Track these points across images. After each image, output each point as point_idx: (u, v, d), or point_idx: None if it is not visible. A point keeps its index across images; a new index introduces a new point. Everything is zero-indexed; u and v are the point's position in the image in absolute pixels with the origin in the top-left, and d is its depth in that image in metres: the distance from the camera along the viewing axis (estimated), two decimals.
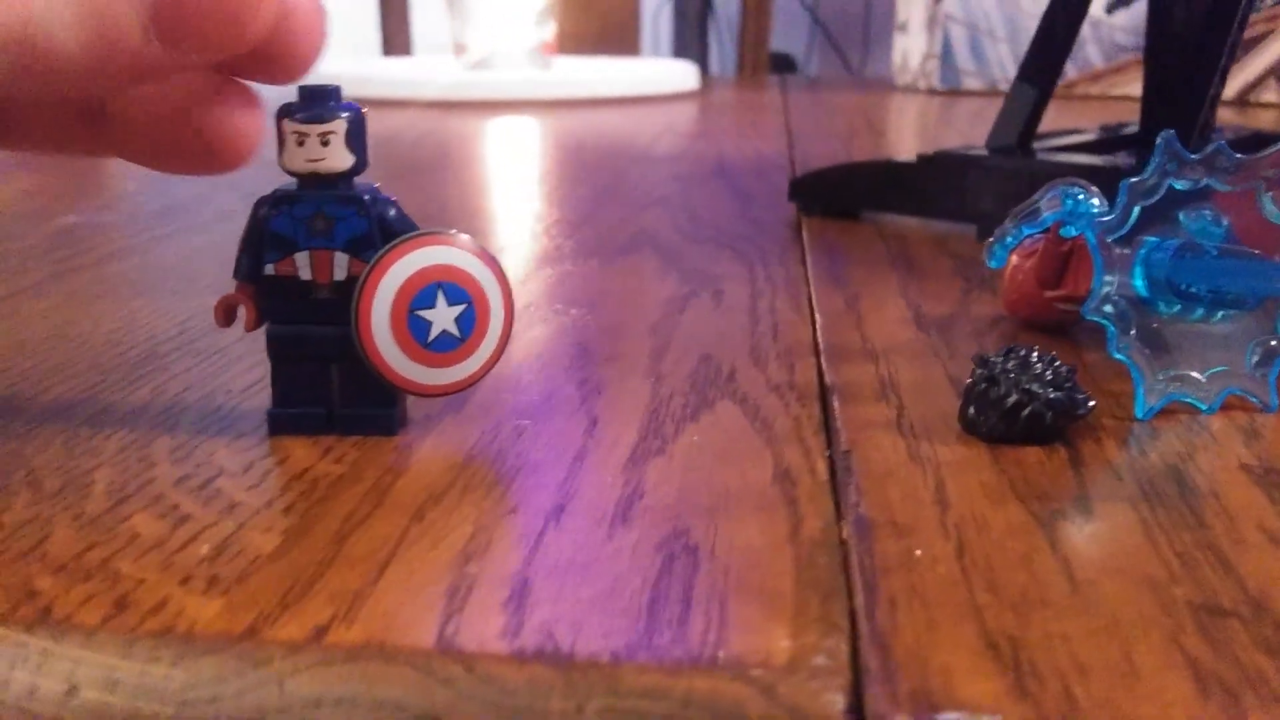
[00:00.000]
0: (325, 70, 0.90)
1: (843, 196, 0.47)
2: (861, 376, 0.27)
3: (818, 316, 0.33)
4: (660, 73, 1.05)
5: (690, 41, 1.83)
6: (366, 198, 0.23)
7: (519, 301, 0.35)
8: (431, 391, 0.24)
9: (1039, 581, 0.18)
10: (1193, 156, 0.25)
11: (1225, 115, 0.91)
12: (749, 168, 0.62)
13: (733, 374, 0.28)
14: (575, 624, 0.17)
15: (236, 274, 0.24)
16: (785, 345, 0.30)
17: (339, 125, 0.23)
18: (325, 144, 0.23)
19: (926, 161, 0.45)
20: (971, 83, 1.05)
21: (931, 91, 1.06)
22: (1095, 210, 0.26)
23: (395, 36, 1.39)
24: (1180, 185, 0.25)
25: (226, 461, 0.23)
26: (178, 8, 0.19)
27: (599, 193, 0.55)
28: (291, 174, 0.23)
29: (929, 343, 0.30)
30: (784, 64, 1.87)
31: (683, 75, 1.05)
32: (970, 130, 0.80)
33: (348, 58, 1.16)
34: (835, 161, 0.50)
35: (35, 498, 0.21)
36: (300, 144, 0.23)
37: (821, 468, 0.22)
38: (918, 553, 0.19)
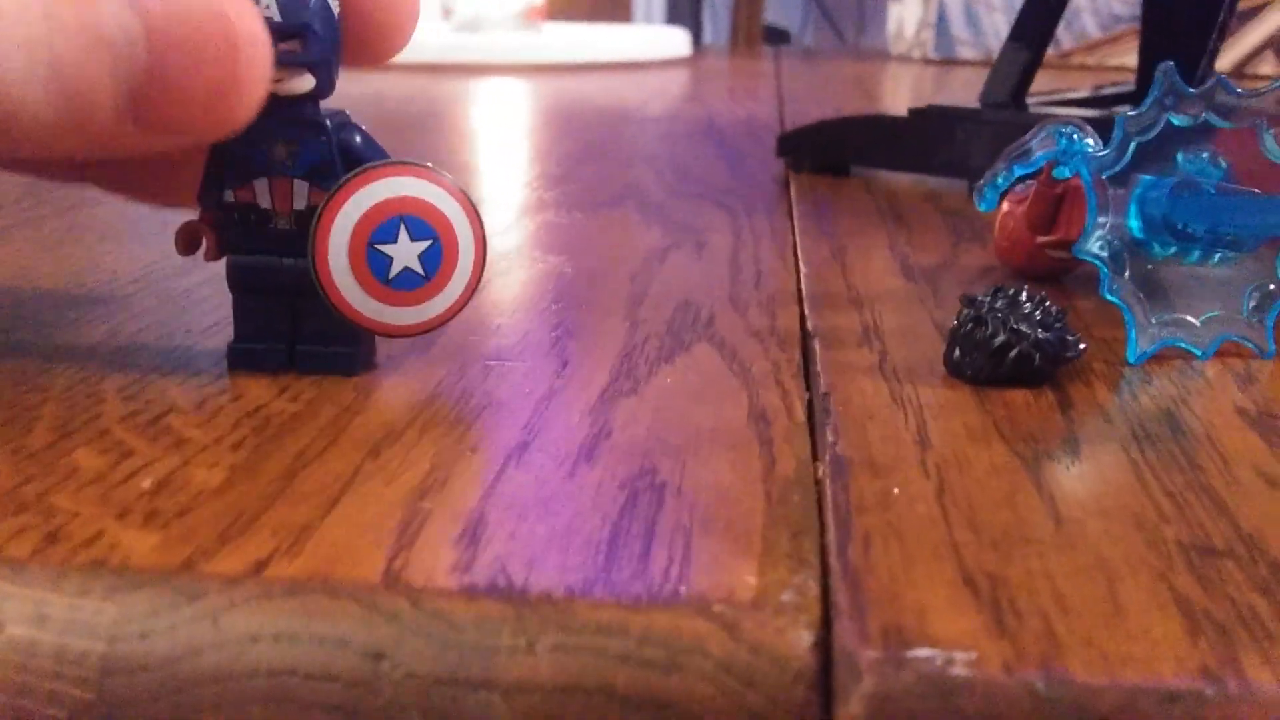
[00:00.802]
0: None
1: (832, 152, 0.46)
2: (845, 323, 0.26)
3: (802, 266, 0.32)
4: (652, 39, 1.03)
5: (683, 12, 1.81)
6: (328, 122, 0.22)
7: (498, 249, 0.34)
8: (393, 331, 0.22)
9: (1022, 520, 0.17)
10: (1191, 91, 0.24)
11: None
12: (739, 128, 0.61)
13: (711, 319, 0.27)
14: (530, 560, 0.16)
15: (200, 200, 0.23)
16: (768, 293, 0.29)
17: (298, 44, 0.21)
18: (281, 64, 0.21)
19: (918, 115, 0.44)
20: (966, 52, 1.03)
21: (926, 61, 1.05)
22: (1090, 148, 0.25)
23: None
24: (1179, 121, 0.24)
25: (179, 398, 0.22)
26: (156, 96, 0.19)
27: (585, 150, 0.53)
28: None
29: (916, 290, 0.29)
30: (778, 37, 1.85)
31: (675, 42, 1.04)
32: (964, 96, 0.79)
33: None
34: None
35: None
36: None
37: (799, 409, 0.21)
38: (895, 491, 0.18)
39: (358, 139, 0.22)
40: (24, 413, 0.21)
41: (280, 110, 0.21)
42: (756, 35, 1.40)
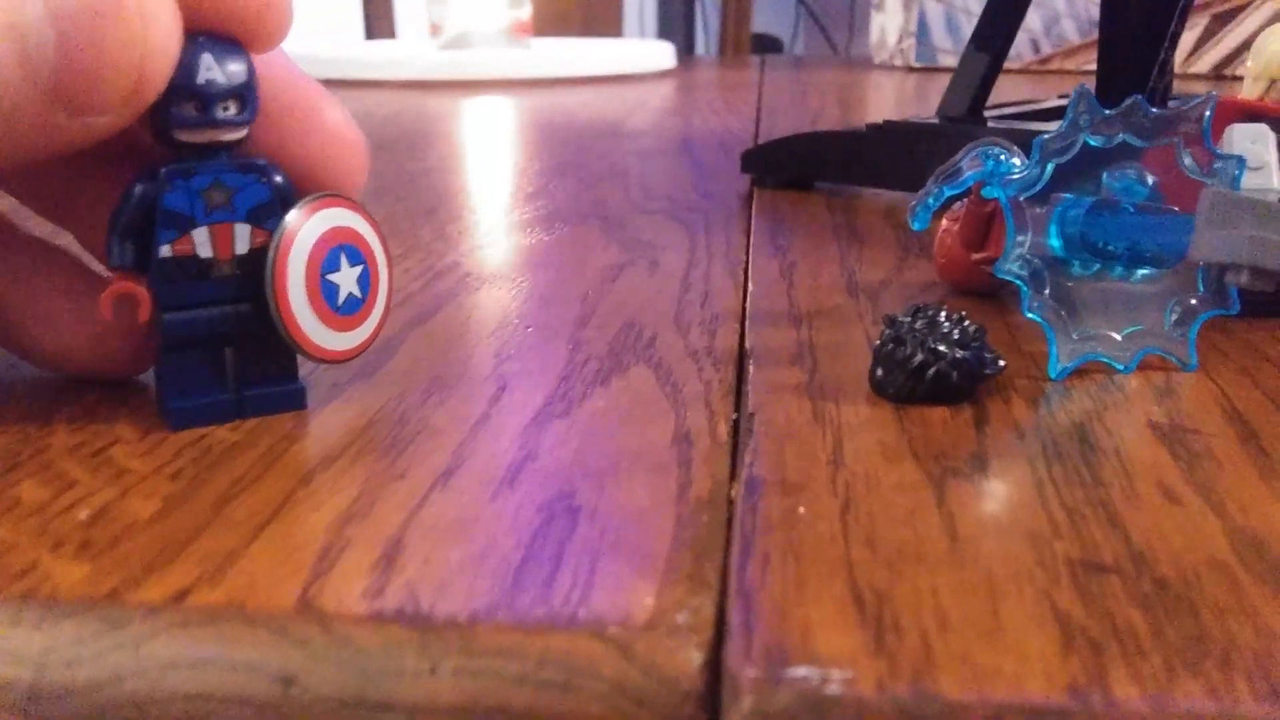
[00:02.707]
0: (301, 53, 0.89)
1: (795, 167, 0.47)
2: (781, 341, 0.27)
3: (750, 284, 0.32)
4: (635, 53, 1.04)
5: (675, 23, 1.82)
6: (263, 163, 0.22)
7: (457, 273, 0.34)
8: (336, 357, 0.23)
9: (918, 538, 0.18)
10: (1108, 112, 0.24)
11: (1200, 88, 0.90)
12: (712, 142, 0.62)
13: (653, 340, 0.28)
14: (440, 585, 0.17)
15: (116, 262, 0.22)
16: (712, 312, 0.30)
17: (236, 105, 0.21)
18: (224, 125, 0.21)
19: (876, 130, 0.44)
20: (948, 60, 1.04)
21: (909, 69, 1.06)
22: (1014, 169, 0.26)
23: (378, 20, 1.38)
24: (1095, 141, 0.25)
25: (125, 430, 0.23)
26: (66, 76, 0.19)
27: (558, 167, 0.54)
28: (179, 145, 0.21)
29: (855, 308, 0.30)
30: (770, 45, 1.86)
31: (658, 55, 1.05)
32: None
33: (326, 41, 1.15)
34: None
35: None
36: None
37: (723, 430, 0.22)
38: (801, 510, 0.19)
39: (280, 178, 0.22)
40: None
41: (216, 157, 0.22)
42: (745, 44, 1.41)
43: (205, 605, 0.16)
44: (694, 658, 0.15)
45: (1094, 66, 1.05)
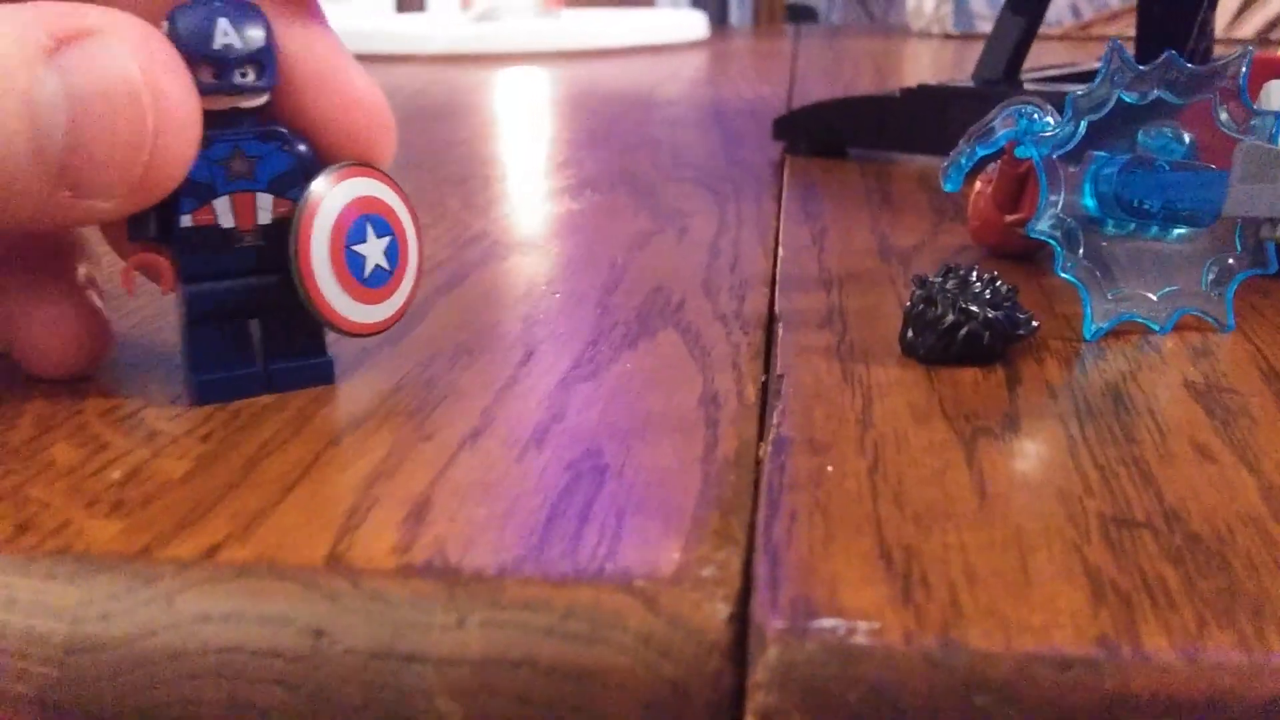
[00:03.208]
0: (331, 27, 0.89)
1: (827, 133, 0.46)
2: (811, 305, 0.27)
3: (780, 250, 0.32)
4: (668, 23, 1.04)
5: None
6: (286, 131, 0.22)
7: (487, 240, 0.34)
8: (365, 330, 0.23)
9: (948, 496, 0.18)
10: (1142, 69, 0.24)
11: None
12: (744, 111, 0.62)
13: (681, 304, 0.27)
14: (468, 540, 0.17)
15: (139, 233, 0.22)
16: (741, 277, 0.30)
17: (254, 70, 0.21)
18: (241, 90, 0.21)
19: (909, 95, 0.44)
20: (985, 26, 1.03)
21: (946, 36, 1.04)
22: (1048, 128, 0.25)
23: None
24: (1129, 98, 0.24)
25: (157, 393, 0.23)
26: (77, 162, 0.19)
27: (588, 137, 0.54)
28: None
29: (887, 272, 0.30)
30: (805, 14, 1.84)
31: (690, 25, 1.04)
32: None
33: (357, 14, 1.15)
34: None
35: None
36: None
37: (751, 392, 0.22)
38: (829, 469, 0.18)
39: (302, 147, 0.22)
40: (10, 409, 0.22)
41: (237, 125, 0.21)
42: (779, 14, 1.40)
43: (236, 561, 0.16)
44: (720, 610, 0.15)
45: (1135, 31, 1.03)
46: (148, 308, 0.28)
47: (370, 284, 0.22)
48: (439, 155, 0.50)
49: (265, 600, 0.16)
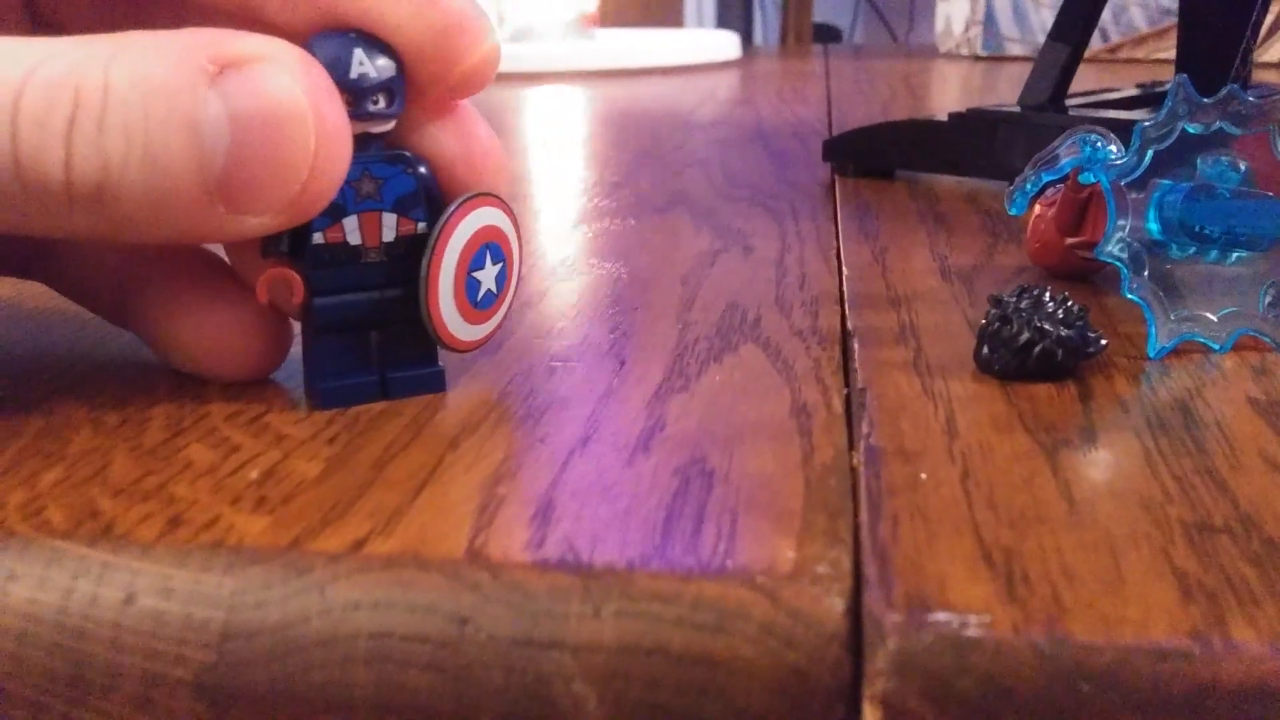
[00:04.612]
0: None
1: (876, 156, 0.48)
2: (883, 322, 0.28)
3: (844, 268, 0.33)
4: (702, 43, 1.05)
5: (734, 12, 1.83)
6: (409, 154, 0.23)
7: (556, 257, 0.36)
8: (469, 346, 0.24)
9: (1038, 501, 0.19)
10: (1206, 100, 0.25)
11: (1269, 77, 0.90)
12: (787, 131, 0.63)
13: (758, 320, 0.29)
14: (594, 538, 0.18)
15: (273, 249, 0.23)
16: (811, 295, 0.31)
17: (385, 99, 0.22)
18: (374, 117, 0.22)
19: (959, 119, 0.45)
20: (1014, 48, 1.04)
21: (975, 58, 1.06)
22: (1111, 156, 0.27)
23: None
24: (1193, 129, 0.25)
25: (276, 399, 0.24)
26: (239, 181, 0.20)
27: (638, 156, 0.55)
28: None
29: (952, 290, 0.31)
30: (829, 34, 1.86)
31: (724, 45, 1.06)
32: (1011, 94, 0.80)
33: None
34: (872, 124, 0.50)
35: (96, 431, 0.23)
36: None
37: (837, 403, 0.23)
38: (923, 476, 0.20)
39: (423, 169, 0.23)
40: (138, 413, 0.24)
41: (365, 148, 0.23)
42: (806, 34, 1.42)
43: (382, 553, 0.18)
44: (837, 604, 0.16)
45: (1163, 55, 1.05)
46: None
47: (480, 306, 0.24)
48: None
49: (412, 590, 0.17)
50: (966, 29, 1.06)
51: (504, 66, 0.97)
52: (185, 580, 0.18)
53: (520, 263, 0.25)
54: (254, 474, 0.21)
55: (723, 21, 1.85)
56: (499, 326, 0.25)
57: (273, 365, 0.25)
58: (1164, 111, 0.25)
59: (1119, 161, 0.25)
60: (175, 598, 0.18)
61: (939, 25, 1.12)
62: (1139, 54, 1.00)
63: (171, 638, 0.18)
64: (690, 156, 0.55)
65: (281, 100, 0.20)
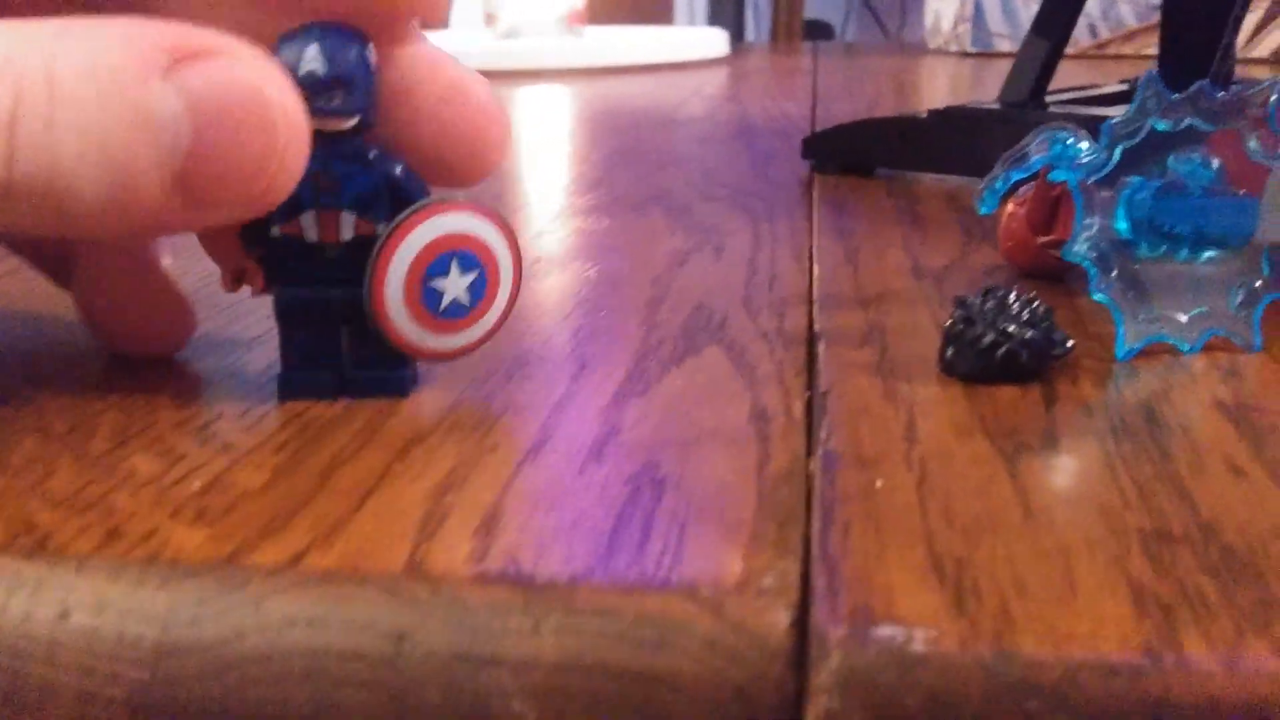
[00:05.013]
0: None
1: (856, 153, 0.47)
2: (850, 323, 0.28)
3: (815, 268, 0.33)
4: (690, 40, 1.05)
5: (725, 9, 1.82)
6: (373, 154, 0.23)
7: (529, 255, 0.35)
8: (438, 356, 0.24)
9: (993, 509, 0.18)
10: (1175, 96, 0.25)
11: (1261, 73, 0.89)
12: (770, 129, 0.63)
13: (724, 322, 0.28)
14: (539, 550, 0.18)
15: (241, 238, 0.23)
16: (780, 295, 0.31)
17: (341, 93, 0.22)
18: (327, 113, 0.22)
19: (938, 116, 0.45)
20: (1003, 44, 1.03)
21: (964, 54, 1.05)
22: (1081, 153, 0.26)
23: None
24: (1162, 125, 0.25)
25: (227, 406, 0.24)
26: (199, 174, 0.20)
27: (618, 154, 0.55)
28: None
29: (922, 290, 0.30)
30: (821, 31, 1.85)
31: (713, 42, 1.05)
32: (997, 91, 0.79)
33: None
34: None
35: (43, 439, 0.22)
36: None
37: (798, 408, 0.23)
38: (879, 483, 0.19)
39: (398, 170, 0.23)
40: (86, 420, 0.23)
41: (326, 145, 0.22)
42: (797, 31, 1.41)
43: (320, 568, 0.17)
44: (782, 618, 0.16)
45: (1152, 51, 1.05)
46: (210, 320, 0.29)
47: (445, 315, 0.23)
48: None
49: (350, 605, 0.17)
50: (955, 25, 1.06)
51: (492, 64, 0.97)
52: (120, 595, 0.17)
53: (517, 276, 0.24)
54: (196, 484, 0.20)
55: (714, 18, 1.84)
56: (487, 337, 0.24)
57: (179, 345, 0.26)
58: (1133, 108, 0.25)
59: (1087, 159, 0.25)
60: (109, 613, 0.17)
61: (928, 21, 1.12)
62: (1127, 50, 0.99)
63: (105, 654, 0.17)
64: (670, 154, 0.55)
65: (242, 94, 0.20)
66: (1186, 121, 0.25)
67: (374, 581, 0.17)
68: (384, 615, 0.17)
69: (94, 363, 0.26)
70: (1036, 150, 0.27)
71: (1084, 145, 0.27)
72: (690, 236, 0.38)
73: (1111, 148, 0.25)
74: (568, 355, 0.26)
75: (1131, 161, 0.26)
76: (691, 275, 0.33)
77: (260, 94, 0.20)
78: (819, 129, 0.50)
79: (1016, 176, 0.28)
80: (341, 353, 0.24)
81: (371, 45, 0.22)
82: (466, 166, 0.24)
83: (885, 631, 0.15)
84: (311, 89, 0.22)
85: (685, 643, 0.16)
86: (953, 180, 0.45)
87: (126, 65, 0.19)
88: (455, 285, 0.23)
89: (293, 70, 0.21)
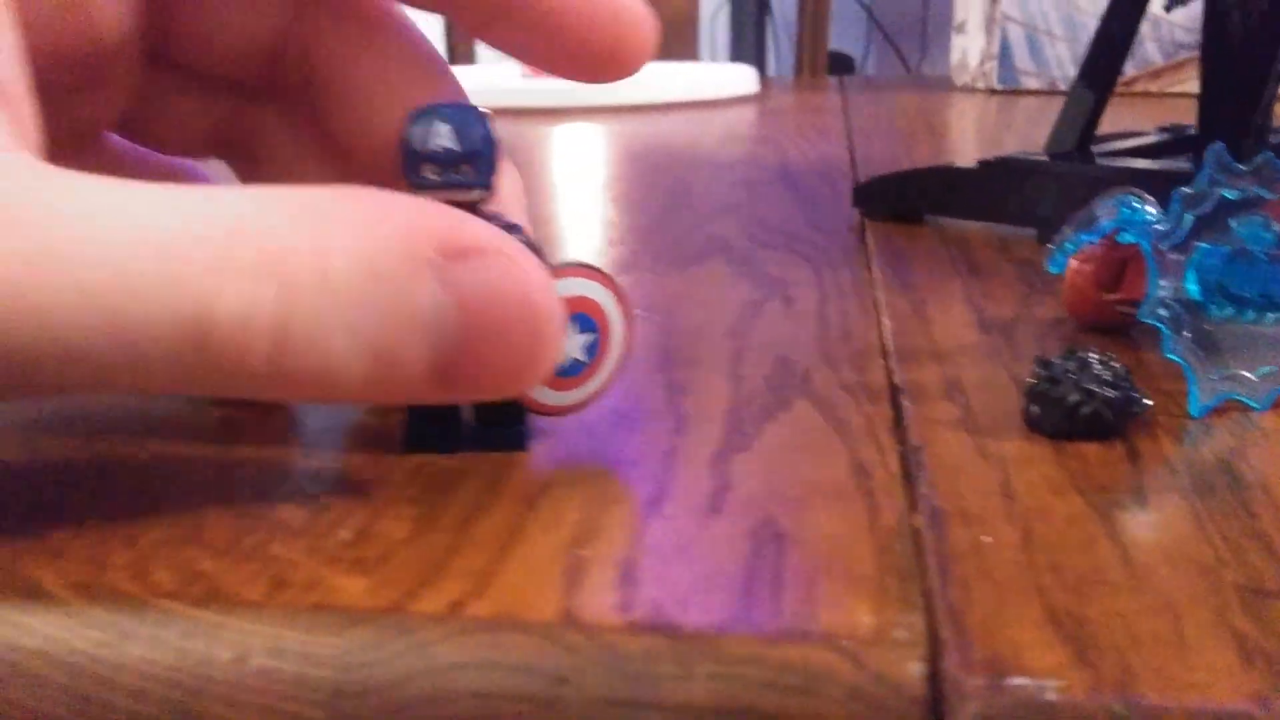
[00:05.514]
0: None
1: (905, 201, 0.49)
2: (929, 377, 0.29)
3: (885, 320, 0.35)
4: (720, 77, 1.07)
5: (747, 43, 1.85)
6: (510, 222, 0.24)
7: None
8: (555, 412, 0.25)
9: (1098, 565, 0.20)
10: (1242, 168, 0.26)
11: None
12: (812, 171, 0.64)
13: (807, 375, 0.30)
14: (680, 601, 0.19)
15: None
16: (855, 348, 0.32)
17: (470, 169, 0.24)
18: (458, 186, 0.24)
19: (987, 167, 0.46)
20: (1030, 82, 1.05)
21: (990, 91, 1.07)
22: (1150, 218, 0.28)
23: (459, 45, 1.42)
24: (1230, 195, 0.27)
25: (357, 459, 0.25)
26: (464, 366, 0.21)
27: (668, 199, 0.57)
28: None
29: (993, 344, 0.32)
30: (842, 64, 1.88)
31: (742, 79, 1.07)
32: (1029, 131, 0.81)
33: None
34: (896, 164, 0.51)
35: (185, 490, 0.24)
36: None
37: (894, 463, 0.24)
38: (987, 540, 0.21)
39: (519, 237, 0.24)
40: (223, 472, 0.25)
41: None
42: (822, 66, 1.43)
43: (480, 615, 0.19)
44: (917, 669, 0.17)
45: (1178, 89, 1.06)
46: None
47: (564, 374, 0.25)
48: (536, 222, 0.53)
49: (512, 651, 0.18)
50: (982, 63, 1.08)
51: (521, 101, 0.99)
52: (295, 640, 0.19)
53: (629, 336, 0.26)
54: (346, 534, 0.22)
55: (736, 53, 1.87)
56: (598, 393, 0.26)
57: None
58: (1202, 179, 0.26)
59: (1161, 227, 0.27)
60: (287, 657, 0.19)
61: (954, 58, 1.14)
62: (1154, 88, 1.01)
63: (285, 695, 0.19)
64: (720, 200, 0.56)
65: (511, 295, 0.20)
66: (1252, 191, 0.27)
67: (532, 629, 0.18)
68: (544, 661, 0.18)
69: (217, 415, 0.28)
70: (1105, 215, 0.29)
71: (1150, 210, 0.28)
72: (757, 287, 0.39)
73: (1182, 216, 0.26)
74: (665, 409, 0.28)
75: (1198, 227, 0.27)
76: (766, 327, 0.34)
77: (528, 297, 0.20)
78: (864, 175, 0.52)
79: (1086, 240, 0.29)
80: (462, 408, 0.25)
81: (496, 122, 0.24)
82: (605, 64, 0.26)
83: (1018, 681, 0.17)
84: (443, 164, 0.23)
85: (830, 690, 0.17)
86: (1000, 229, 0.47)
87: (401, 263, 0.20)
88: (573, 345, 0.25)
89: (423, 145, 0.23)
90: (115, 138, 0.30)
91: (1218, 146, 0.26)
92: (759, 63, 1.82)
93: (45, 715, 0.20)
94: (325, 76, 0.28)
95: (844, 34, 1.94)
